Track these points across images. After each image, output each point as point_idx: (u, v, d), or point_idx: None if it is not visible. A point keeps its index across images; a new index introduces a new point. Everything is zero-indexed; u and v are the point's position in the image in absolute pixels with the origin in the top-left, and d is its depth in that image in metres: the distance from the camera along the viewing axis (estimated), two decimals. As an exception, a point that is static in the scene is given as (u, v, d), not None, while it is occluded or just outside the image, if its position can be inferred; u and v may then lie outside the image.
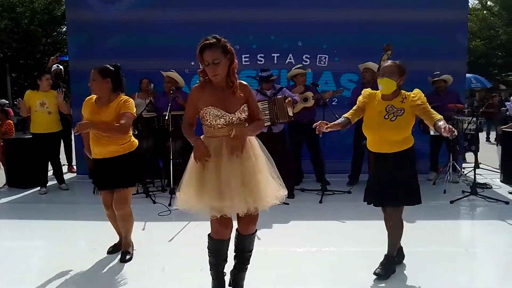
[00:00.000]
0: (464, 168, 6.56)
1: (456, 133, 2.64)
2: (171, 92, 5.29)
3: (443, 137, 2.88)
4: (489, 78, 20.07)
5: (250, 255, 2.68)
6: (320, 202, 5.06)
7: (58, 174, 5.99)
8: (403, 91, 2.95)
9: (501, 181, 6.08)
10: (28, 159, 5.95)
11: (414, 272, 3.09)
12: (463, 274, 3.19)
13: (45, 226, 4.39)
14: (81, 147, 3.45)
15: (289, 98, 5.02)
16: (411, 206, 2.99)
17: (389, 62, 2.98)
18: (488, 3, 23.94)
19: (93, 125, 3.15)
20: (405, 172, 2.92)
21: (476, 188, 5.14)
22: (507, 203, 4.89)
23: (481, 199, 5.04)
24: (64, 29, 21.41)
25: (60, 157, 6.07)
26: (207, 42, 2.34)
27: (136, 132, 5.24)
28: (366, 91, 3.07)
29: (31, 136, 5.87)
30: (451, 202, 4.93)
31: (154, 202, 5.07)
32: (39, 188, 5.84)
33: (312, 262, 3.35)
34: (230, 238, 2.57)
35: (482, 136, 9.94)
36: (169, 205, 4.83)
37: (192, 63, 6.01)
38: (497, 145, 6.69)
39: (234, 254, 2.66)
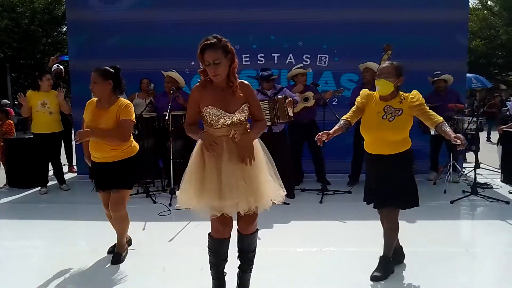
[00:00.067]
0: (464, 168, 6.56)
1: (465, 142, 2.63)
2: (172, 92, 5.29)
3: (443, 137, 2.88)
4: (490, 78, 20.09)
5: (254, 255, 2.68)
6: (321, 202, 5.06)
7: (59, 174, 5.99)
8: (401, 92, 2.94)
9: (501, 181, 6.08)
10: (28, 159, 5.96)
11: (414, 272, 3.09)
12: (463, 274, 3.19)
13: (45, 226, 4.40)
14: (81, 147, 3.45)
15: (290, 98, 5.02)
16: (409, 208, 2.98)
17: (387, 63, 2.97)
18: (489, 3, 23.92)
19: (93, 133, 3.15)
20: (402, 175, 2.91)
21: (476, 188, 5.14)
22: (507, 203, 4.89)
23: (481, 199, 5.03)
24: (64, 29, 21.40)
25: (61, 157, 6.07)
26: (208, 42, 2.33)
27: (136, 132, 5.24)
28: (364, 91, 3.06)
29: (31, 136, 5.87)
30: (452, 202, 4.93)
31: (155, 202, 5.08)
32: (39, 188, 5.85)
33: (312, 262, 3.35)
34: (230, 237, 2.57)
35: (483, 135, 9.93)
36: (169, 205, 4.84)
37: (192, 63, 6.03)
38: (497, 145, 6.69)
39: (238, 254, 2.66)
